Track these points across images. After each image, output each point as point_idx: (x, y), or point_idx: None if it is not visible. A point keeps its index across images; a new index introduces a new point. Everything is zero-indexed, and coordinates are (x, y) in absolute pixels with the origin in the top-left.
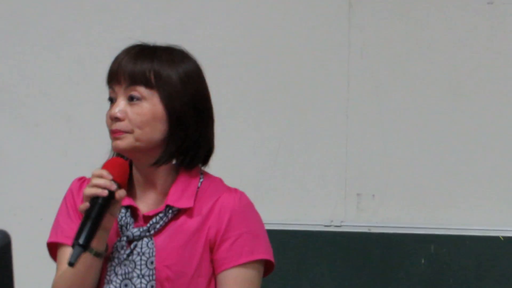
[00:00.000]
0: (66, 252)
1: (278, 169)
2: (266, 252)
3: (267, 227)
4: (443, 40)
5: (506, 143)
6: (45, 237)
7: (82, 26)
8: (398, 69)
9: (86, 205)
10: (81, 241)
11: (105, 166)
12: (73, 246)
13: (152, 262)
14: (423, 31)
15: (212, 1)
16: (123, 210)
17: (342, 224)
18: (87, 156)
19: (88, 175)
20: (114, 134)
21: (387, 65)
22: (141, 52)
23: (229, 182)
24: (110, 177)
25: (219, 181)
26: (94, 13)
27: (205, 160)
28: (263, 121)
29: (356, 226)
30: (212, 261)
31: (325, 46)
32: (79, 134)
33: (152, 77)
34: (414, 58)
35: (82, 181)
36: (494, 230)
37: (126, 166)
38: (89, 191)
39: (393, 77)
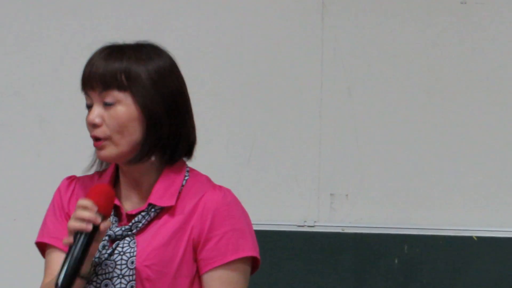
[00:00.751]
0: (53, 255)
1: (251, 169)
2: (252, 249)
3: None
4: (417, 40)
5: (478, 143)
6: (19, 238)
7: (55, 26)
8: (371, 69)
9: (69, 240)
10: (62, 282)
11: (91, 194)
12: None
13: (132, 262)
14: (396, 30)
15: (186, 1)
16: None
17: (316, 224)
18: (60, 157)
19: (60, 177)
20: (95, 143)
21: (360, 65)
22: (110, 54)
23: None
24: (95, 209)
25: (205, 179)
26: (68, 13)
27: (188, 153)
28: (236, 120)
29: (330, 226)
30: (196, 261)
31: (298, 46)
32: (52, 135)
33: (123, 78)
34: (387, 58)
35: (70, 180)
36: (467, 230)
37: (112, 195)
38: (73, 225)
39: (366, 77)
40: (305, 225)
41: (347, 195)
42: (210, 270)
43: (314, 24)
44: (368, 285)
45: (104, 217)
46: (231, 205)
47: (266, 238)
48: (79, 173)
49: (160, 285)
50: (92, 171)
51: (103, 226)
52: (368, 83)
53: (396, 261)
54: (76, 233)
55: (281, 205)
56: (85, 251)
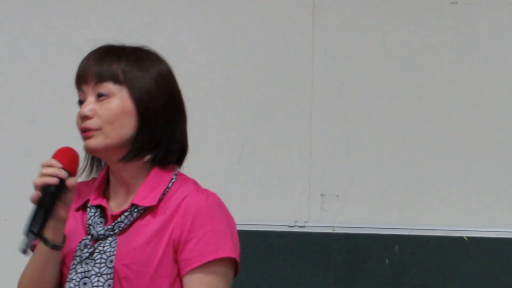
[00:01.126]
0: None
1: (242, 169)
2: (231, 251)
3: None
4: (407, 40)
5: (468, 143)
6: (9, 238)
7: (46, 26)
8: (362, 69)
9: (37, 194)
10: (32, 228)
11: (55, 155)
12: (24, 233)
13: (111, 261)
14: (388, 31)
15: (176, 1)
16: (92, 210)
17: (306, 224)
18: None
19: None
20: (84, 133)
21: (351, 65)
22: (108, 51)
23: None
24: (60, 165)
25: (191, 182)
26: (59, 13)
27: (179, 159)
28: (226, 120)
29: (320, 226)
30: (177, 262)
31: (289, 46)
32: (43, 135)
33: (120, 73)
34: (378, 58)
35: None
36: (458, 230)
37: (76, 155)
38: (39, 180)
39: (357, 77)
40: (296, 226)
41: (337, 195)
42: (190, 271)
43: (305, 24)
44: (358, 285)
45: (70, 174)
46: (212, 207)
47: (257, 238)
48: None
49: (138, 284)
50: (83, 177)
51: (69, 182)
52: (359, 83)
53: (386, 261)
54: (43, 188)
55: (271, 205)
56: (53, 202)
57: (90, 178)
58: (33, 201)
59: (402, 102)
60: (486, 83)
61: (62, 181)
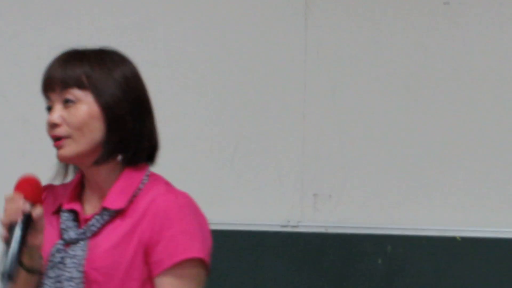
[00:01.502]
0: None
1: (235, 169)
2: (200, 251)
3: (223, 227)
4: (400, 40)
5: (461, 143)
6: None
7: (39, 27)
8: (354, 69)
9: (5, 234)
10: (7, 271)
11: (16, 187)
12: (1, 276)
13: (82, 265)
14: (380, 31)
15: (170, 2)
16: (66, 214)
17: (299, 224)
18: (44, 158)
19: (44, 177)
20: (55, 143)
21: (344, 65)
22: (71, 57)
23: (186, 181)
24: (21, 197)
25: (163, 183)
26: (51, 14)
27: (151, 157)
28: (219, 120)
29: (313, 226)
30: (148, 264)
31: (282, 46)
32: (36, 136)
33: (84, 78)
34: (371, 58)
35: (43, 189)
36: (450, 230)
37: (37, 182)
38: (4, 220)
39: (349, 77)
40: (289, 225)
41: (330, 195)
42: (161, 273)
43: (298, 25)
44: (351, 285)
45: (34, 205)
46: (182, 208)
47: (249, 238)
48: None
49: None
50: (57, 181)
51: (34, 213)
52: (351, 84)
53: (379, 261)
54: (10, 226)
55: (264, 205)
56: (23, 239)
57: (67, 181)
58: (4, 240)
59: (395, 102)
60: (478, 83)
61: (27, 214)
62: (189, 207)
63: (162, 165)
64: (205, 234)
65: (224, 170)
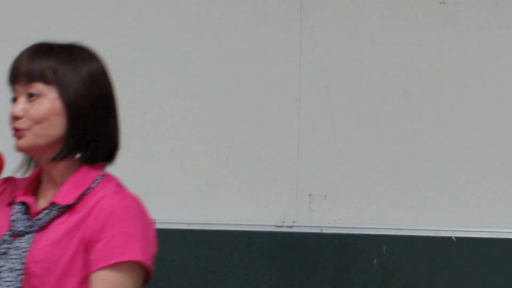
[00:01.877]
0: None
1: (230, 169)
2: (139, 255)
3: (218, 227)
4: (395, 40)
5: (456, 143)
6: None
7: (31, 26)
8: (349, 69)
9: None
10: None
11: None
12: None
13: (24, 257)
14: (375, 31)
15: (164, 1)
16: (18, 206)
17: (294, 224)
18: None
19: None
20: (15, 133)
21: (339, 65)
22: (38, 50)
23: (180, 181)
24: None
25: (114, 184)
26: (43, 13)
27: (110, 157)
28: (214, 121)
29: (308, 226)
30: (86, 262)
31: (277, 46)
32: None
33: (49, 73)
34: (366, 58)
35: (3, 181)
36: (446, 230)
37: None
38: None
39: (344, 78)
40: (284, 226)
41: (325, 195)
42: (95, 271)
43: (293, 25)
44: (346, 285)
45: None
46: (126, 209)
47: (244, 238)
48: None
49: (46, 281)
50: (19, 174)
51: None
52: (346, 83)
53: (375, 261)
54: None
55: (259, 205)
56: None
57: (27, 175)
58: None
59: (390, 102)
60: (473, 83)
61: None
62: (134, 210)
63: (157, 165)
64: (148, 238)
65: (219, 170)
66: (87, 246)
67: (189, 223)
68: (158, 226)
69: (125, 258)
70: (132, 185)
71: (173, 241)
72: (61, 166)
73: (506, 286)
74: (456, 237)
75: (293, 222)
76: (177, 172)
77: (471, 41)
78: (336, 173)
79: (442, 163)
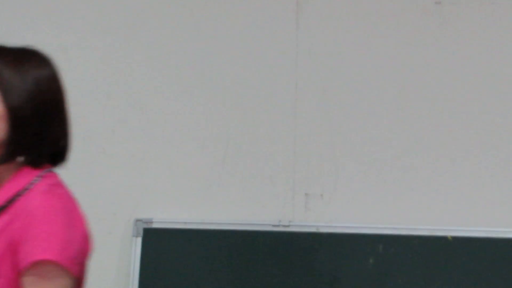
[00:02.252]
0: None
1: (226, 168)
2: (57, 255)
3: (215, 227)
4: (391, 40)
5: (452, 143)
6: None
7: (29, 27)
8: (346, 70)
9: None
10: None
11: None
12: None
13: None
14: (371, 31)
15: (160, 0)
16: None
17: (291, 224)
18: None
19: None
20: None
21: (335, 65)
22: None
23: (177, 181)
24: None
25: (48, 184)
26: (41, 14)
27: (54, 161)
28: (211, 120)
29: (305, 226)
30: (14, 262)
31: (273, 46)
32: None
33: None
34: (362, 58)
35: None
36: (442, 229)
37: None
38: None
39: (341, 77)
40: (280, 225)
41: (322, 195)
42: (21, 272)
43: (289, 24)
44: (343, 284)
45: None
46: (52, 209)
47: (240, 238)
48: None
49: None
50: None
51: None
52: (343, 84)
53: (371, 260)
54: None
55: (256, 205)
56: None
57: None
58: None
59: (386, 102)
60: (470, 83)
61: None
62: (61, 210)
63: (154, 165)
64: (73, 239)
65: (215, 170)
66: (15, 247)
67: (185, 223)
68: (155, 225)
69: (40, 257)
70: (129, 185)
71: (169, 240)
72: (2, 169)
73: (502, 285)
74: (452, 236)
75: (290, 221)
76: (174, 172)
77: (467, 41)
78: (332, 172)
79: (438, 162)
